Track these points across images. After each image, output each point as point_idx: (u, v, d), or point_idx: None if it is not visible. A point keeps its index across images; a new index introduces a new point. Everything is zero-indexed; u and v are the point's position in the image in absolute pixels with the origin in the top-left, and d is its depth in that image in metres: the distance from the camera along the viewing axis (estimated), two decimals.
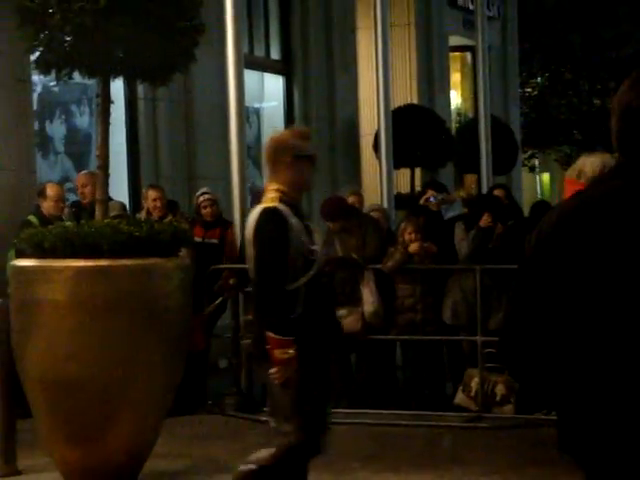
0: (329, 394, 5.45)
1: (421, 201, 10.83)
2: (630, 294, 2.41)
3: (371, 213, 9.77)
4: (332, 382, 5.96)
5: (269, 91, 14.60)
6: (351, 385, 9.20)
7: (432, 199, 10.66)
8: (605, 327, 2.44)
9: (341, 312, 9.00)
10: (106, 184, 7.18)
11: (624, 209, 2.45)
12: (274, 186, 5.04)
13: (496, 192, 10.81)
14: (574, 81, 24.48)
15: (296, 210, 5.04)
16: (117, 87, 8.83)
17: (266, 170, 5.22)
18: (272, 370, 4.87)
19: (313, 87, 14.66)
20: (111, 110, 7.10)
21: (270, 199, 5.00)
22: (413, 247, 8.95)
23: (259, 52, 14.16)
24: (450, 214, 11.08)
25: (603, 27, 23.71)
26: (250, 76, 11.91)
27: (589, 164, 5.28)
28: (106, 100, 7.02)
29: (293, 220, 4.94)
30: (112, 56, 6.82)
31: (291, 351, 4.84)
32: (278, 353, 4.85)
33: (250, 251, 5.01)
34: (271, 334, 4.87)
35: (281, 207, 4.95)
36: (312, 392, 5.02)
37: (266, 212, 4.96)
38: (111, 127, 7.19)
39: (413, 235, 9.02)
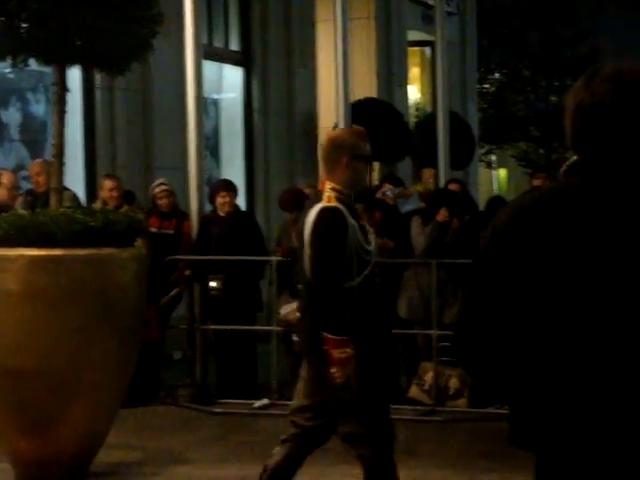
0: (387, 392, 5.49)
1: (378, 195, 10.84)
2: (582, 289, 2.43)
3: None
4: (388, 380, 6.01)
5: (228, 82, 14.55)
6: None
7: (389, 193, 10.68)
8: (556, 322, 2.46)
9: (294, 305, 9.01)
10: (61, 173, 7.13)
11: (578, 206, 2.47)
12: (330, 185, 5.06)
13: (451, 186, 10.85)
14: (532, 78, 24.61)
15: (351, 210, 5.07)
16: (74, 75, 8.76)
17: (322, 168, 5.20)
18: (332, 370, 4.89)
19: (272, 79, 14.63)
20: (68, 99, 7.04)
21: (328, 198, 5.01)
22: None
23: (218, 43, 14.10)
24: (407, 208, 11.11)
25: (561, 25, 23.87)
26: (209, 67, 11.86)
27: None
28: (62, 88, 6.96)
29: (351, 220, 4.98)
30: (69, 44, 6.76)
31: (349, 350, 4.87)
32: (336, 353, 4.87)
33: (307, 250, 5.00)
34: (328, 334, 4.89)
35: (340, 207, 4.97)
36: (371, 391, 5.04)
37: (326, 212, 4.98)
38: (67, 116, 7.13)
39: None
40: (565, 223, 2.47)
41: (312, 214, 5.02)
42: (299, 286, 5.38)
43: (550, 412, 2.46)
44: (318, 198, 5.12)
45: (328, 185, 5.06)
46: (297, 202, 9.32)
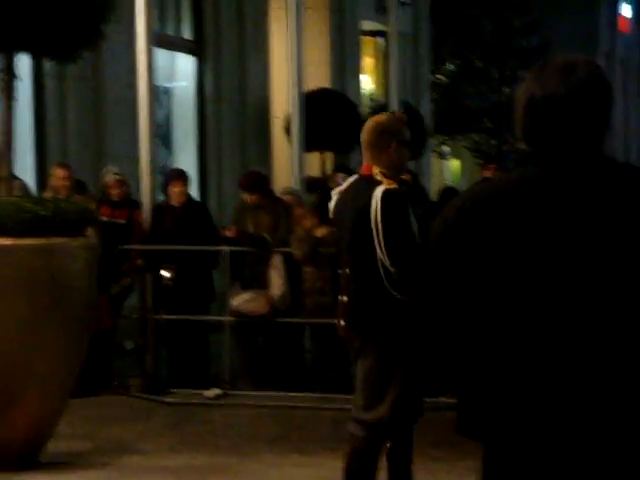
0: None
1: (330, 184, 10.84)
2: (541, 281, 2.44)
3: (284, 196, 9.76)
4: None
5: (180, 71, 14.48)
6: (256, 367, 9.21)
7: (341, 182, 10.66)
8: (509, 313, 2.47)
9: (247, 296, 9.00)
10: (10, 162, 7.05)
11: (533, 198, 2.48)
12: (378, 169, 5.10)
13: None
14: (484, 69, 24.71)
15: None
16: (24, 63, 8.67)
17: (366, 152, 5.24)
18: None
19: (225, 68, 14.57)
20: (17, 86, 6.97)
21: (388, 182, 5.04)
22: (320, 231, 8.96)
23: (170, 31, 14.02)
24: None
25: (513, 15, 23.97)
26: (161, 55, 11.79)
27: None
28: (10, 75, 6.88)
29: None
30: (18, 31, 6.68)
31: None
32: None
33: (378, 234, 5.00)
34: None
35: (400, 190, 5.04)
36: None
37: (390, 194, 5.01)
38: (17, 104, 7.06)
39: (316, 220, 9.00)
40: (514, 214, 2.47)
41: (376, 197, 5.00)
42: (344, 271, 5.30)
43: (497, 403, 2.48)
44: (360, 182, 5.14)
45: (376, 169, 5.10)
46: (259, 183, 9.33)
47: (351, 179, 5.42)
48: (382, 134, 5.19)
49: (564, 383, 2.41)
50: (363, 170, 5.26)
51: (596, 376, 2.40)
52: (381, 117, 5.54)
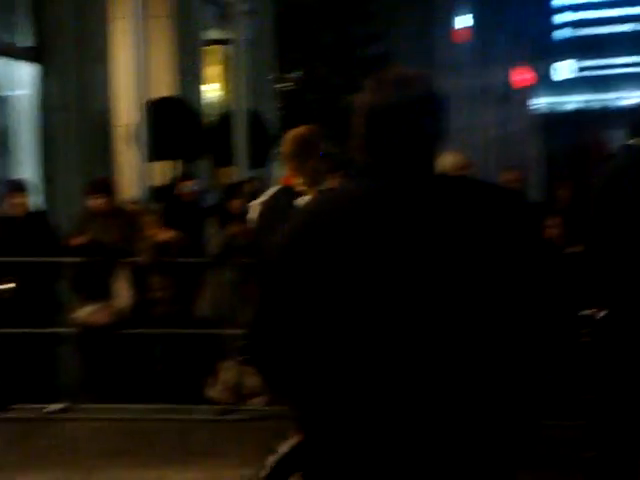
0: None
1: (176, 191, 10.78)
2: (365, 293, 2.47)
3: (129, 205, 9.67)
4: None
5: (19, 79, 14.16)
6: (101, 380, 9.07)
7: (189, 189, 10.62)
8: (343, 325, 2.49)
9: (91, 307, 8.86)
10: None
11: (368, 209, 2.51)
12: (300, 180, 5.19)
13: (249, 186, 10.87)
14: (327, 77, 24.93)
15: None
16: None
17: (288, 164, 5.34)
18: None
19: (66, 76, 14.30)
20: None
21: (310, 192, 5.05)
22: (163, 236, 8.89)
23: (8, 39, 13.70)
24: (205, 205, 11.09)
25: (354, 25, 24.29)
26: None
27: (446, 162, 5.84)
28: None
29: None
30: None
31: None
32: None
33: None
34: None
35: None
36: None
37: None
38: None
39: (159, 226, 8.95)
40: (356, 225, 2.50)
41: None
42: None
43: (334, 415, 2.50)
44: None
45: (297, 180, 5.20)
46: (107, 187, 9.24)
47: (273, 190, 5.49)
48: (304, 145, 5.31)
49: (399, 397, 2.45)
50: (284, 181, 5.36)
51: (415, 387, 2.44)
52: (302, 129, 5.66)
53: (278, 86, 23.07)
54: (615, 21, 37.99)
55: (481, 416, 2.43)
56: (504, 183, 8.59)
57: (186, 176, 11.97)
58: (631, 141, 5.44)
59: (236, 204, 9.20)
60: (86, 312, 8.83)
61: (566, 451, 6.48)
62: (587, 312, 5.41)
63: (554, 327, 2.50)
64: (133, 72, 11.99)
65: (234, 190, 9.96)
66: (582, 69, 38.40)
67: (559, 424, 6.65)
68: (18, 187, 9.43)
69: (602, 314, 5.25)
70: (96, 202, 9.05)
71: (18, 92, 14.12)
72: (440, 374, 2.43)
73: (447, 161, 5.98)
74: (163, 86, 16.04)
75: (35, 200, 10.65)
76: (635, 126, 5.49)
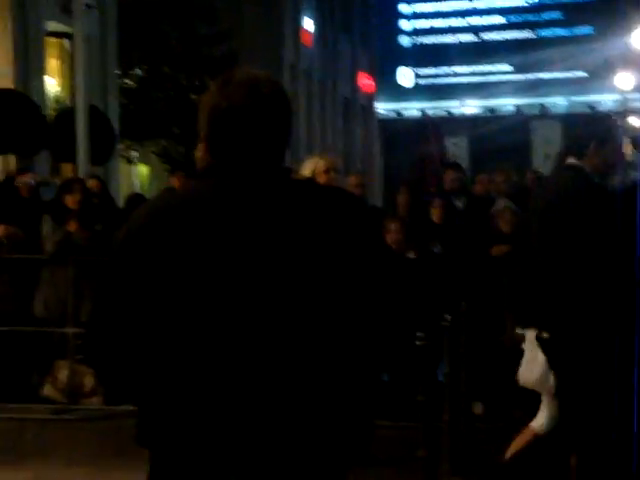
0: None
1: (16, 184, 10.52)
2: (206, 293, 2.47)
3: None
4: None
5: None
6: None
7: (26, 183, 10.38)
8: (181, 325, 2.49)
9: None
10: None
11: (210, 209, 2.51)
12: None
13: (90, 183, 10.71)
14: (172, 75, 24.71)
15: None
16: None
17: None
18: None
19: None
20: None
21: None
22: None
23: None
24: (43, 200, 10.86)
25: (200, 23, 24.14)
26: None
27: (307, 165, 5.97)
28: None
29: None
30: None
31: None
32: None
33: None
34: None
35: None
36: None
37: None
38: None
39: None
40: (196, 226, 2.50)
41: None
42: None
43: (168, 414, 2.50)
44: None
45: None
46: None
47: None
48: None
49: (234, 399, 2.46)
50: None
51: (246, 385, 2.45)
52: None
53: (122, 82, 22.78)
54: (456, 31, 38.94)
55: (309, 414, 2.45)
56: (345, 187, 8.70)
57: (22, 170, 11.70)
58: (571, 160, 5.29)
59: (72, 200, 9.04)
60: None
61: (402, 451, 6.61)
62: (523, 331, 5.33)
63: (388, 329, 2.55)
64: None
65: (70, 186, 9.76)
66: (421, 76, 39.23)
67: (395, 425, 6.79)
68: None
69: (545, 336, 5.16)
70: None
71: None
72: (270, 374, 2.44)
73: (314, 164, 5.99)
74: (2, 78, 15.67)
75: None
76: (572, 146, 5.41)
